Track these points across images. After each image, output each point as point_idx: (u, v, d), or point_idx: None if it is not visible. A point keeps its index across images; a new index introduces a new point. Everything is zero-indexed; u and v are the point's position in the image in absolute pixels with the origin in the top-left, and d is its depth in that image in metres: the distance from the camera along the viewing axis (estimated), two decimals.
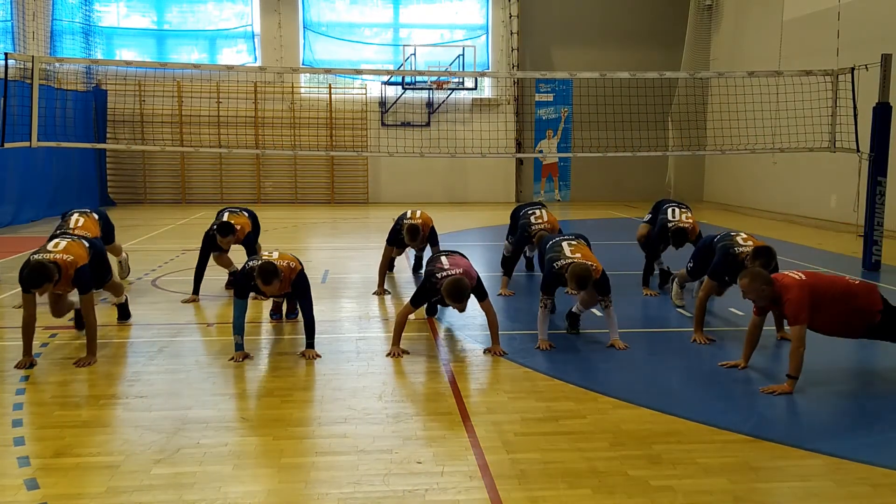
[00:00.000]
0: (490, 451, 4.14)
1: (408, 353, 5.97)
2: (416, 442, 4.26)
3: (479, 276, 6.06)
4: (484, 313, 6.09)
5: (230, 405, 4.91)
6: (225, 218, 8.05)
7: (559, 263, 6.16)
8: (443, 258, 6.13)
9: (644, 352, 6.11)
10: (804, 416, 4.81)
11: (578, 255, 6.18)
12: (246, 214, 8.31)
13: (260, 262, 5.76)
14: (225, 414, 4.71)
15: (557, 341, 6.26)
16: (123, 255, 8.85)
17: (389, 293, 8.24)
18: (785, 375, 5.11)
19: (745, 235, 6.59)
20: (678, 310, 7.50)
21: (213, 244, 7.90)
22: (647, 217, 9.03)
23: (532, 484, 3.76)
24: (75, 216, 7.73)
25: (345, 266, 10.02)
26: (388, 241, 8.50)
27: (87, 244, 6.06)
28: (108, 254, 8.22)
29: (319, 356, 5.85)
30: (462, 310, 5.93)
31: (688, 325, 6.80)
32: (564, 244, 6.35)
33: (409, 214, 8.54)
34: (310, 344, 5.91)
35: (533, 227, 8.24)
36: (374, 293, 8.20)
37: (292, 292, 6.00)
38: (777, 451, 4.19)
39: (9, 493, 3.63)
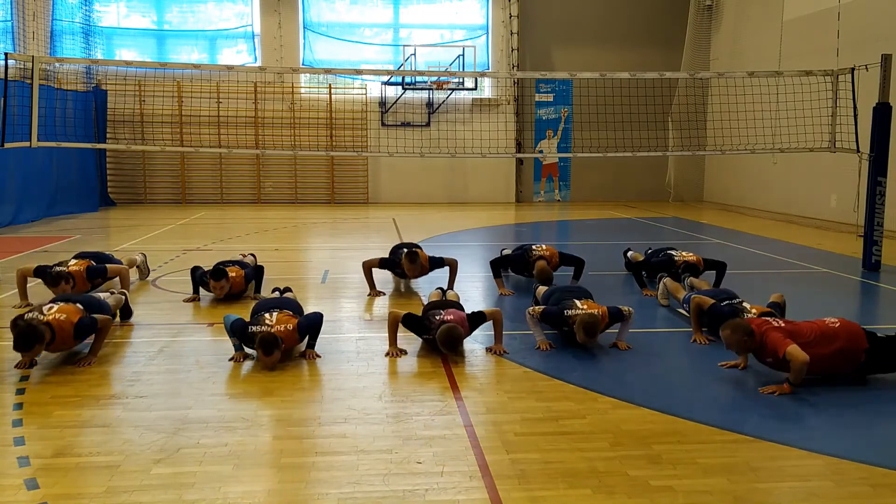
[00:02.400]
0: (490, 451, 4.14)
1: (405, 352, 5.98)
2: (416, 442, 4.26)
3: (468, 315, 6.06)
4: (493, 319, 6.13)
5: (230, 405, 4.91)
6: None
7: (569, 312, 6.17)
8: (442, 310, 6.11)
9: (644, 352, 6.11)
10: (804, 416, 4.81)
11: (586, 307, 6.20)
12: (241, 268, 8.05)
13: (261, 330, 5.65)
14: (225, 414, 4.71)
15: (557, 341, 6.26)
16: (138, 258, 8.87)
17: (384, 294, 8.23)
18: (785, 378, 5.11)
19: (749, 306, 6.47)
20: (678, 310, 7.49)
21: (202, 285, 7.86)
22: (648, 250, 9.03)
23: (532, 484, 3.76)
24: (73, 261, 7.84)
25: (345, 266, 10.01)
26: (381, 262, 8.29)
27: (79, 304, 5.96)
28: (125, 265, 8.22)
29: (320, 356, 5.85)
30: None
31: (688, 326, 6.80)
32: (577, 301, 6.34)
33: (405, 248, 8.32)
34: (311, 344, 5.92)
35: (533, 253, 8.34)
36: (368, 294, 8.19)
37: (302, 337, 5.95)
38: (777, 451, 4.20)
39: (9, 493, 3.63)
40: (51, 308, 5.71)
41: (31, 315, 5.55)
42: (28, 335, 5.29)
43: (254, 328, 5.72)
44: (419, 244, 8.84)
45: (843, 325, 5.32)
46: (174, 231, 13.73)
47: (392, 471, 3.89)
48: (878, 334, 5.39)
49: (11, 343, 5.37)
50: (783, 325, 5.30)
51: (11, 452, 4.09)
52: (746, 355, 5.60)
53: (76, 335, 5.63)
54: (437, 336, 5.77)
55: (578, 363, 5.80)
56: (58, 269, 7.49)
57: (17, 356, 5.60)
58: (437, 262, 8.27)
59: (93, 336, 5.81)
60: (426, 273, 8.30)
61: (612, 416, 4.68)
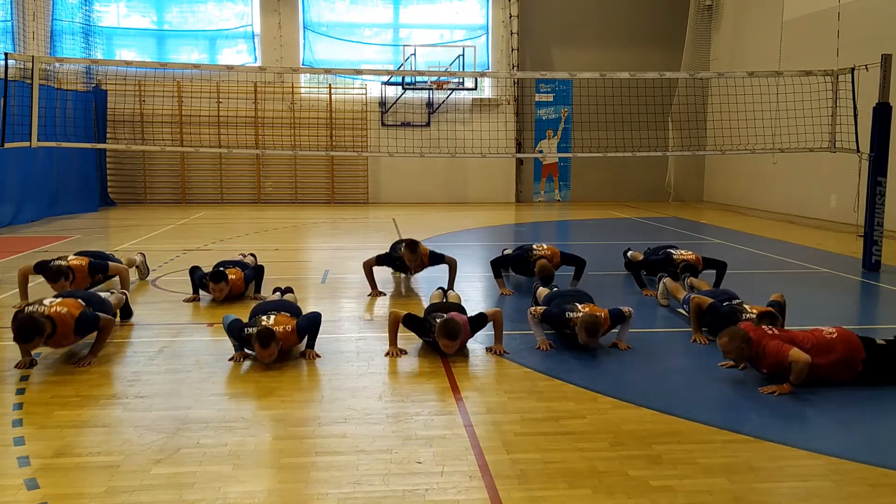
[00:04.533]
0: (490, 451, 4.14)
1: (406, 352, 5.98)
2: (416, 442, 4.26)
3: (471, 317, 6.06)
4: (493, 320, 6.12)
5: (230, 405, 4.91)
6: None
7: (571, 315, 6.17)
8: (444, 314, 6.09)
9: (644, 352, 6.11)
10: (804, 416, 4.81)
11: (587, 310, 6.20)
12: (241, 269, 8.04)
13: (257, 328, 5.64)
14: (225, 414, 4.70)
15: (557, 342, 6.26)
16: (137, 258, 8.86)
17: (384, 294, 8.23)
18: (785, 378, 5.12)
19: (749, 307, 6.38)
20: (678, 310, 7.49)
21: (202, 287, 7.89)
22: (647, 249, 9.06)
23: (532, 484, 3.76)
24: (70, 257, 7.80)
25: (345, 266, 10.01)
26: (378, 259, 8.28)
27: (80, 300, 5.95)
28: (125, 265, 8.21)
29: (319, 356, 5.85)
30: (451, 351, 5.88)
31: (688, 326, 6.79)
32: (578, 304, 6.34)
33: (403, 244, 8.29)
34: (310, 344, 5.92)
35: (534, 253, 8.35)
36: (368, 295, 8.19)
37: (301, 337, 5.95)
38: (777, 451, 4.20)
39: (9, 493, 3.63)
40: (52, 301, 5.70)
41: (31, 308, 5.54)
42: (28, 327, 5.27)
43: (250, 330, 5.70)
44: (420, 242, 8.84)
45: (841, 334, 5.28)
46: (174, 231, 13.73)
47: (392, 471, 3.89)
48: (877, 340, 5.35)
49: (11, 342, 5.37)
50: (779, 333, 5.30)
51: (11, 452, 4.09)
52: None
53: (77, 330, 5.60)
54: (436, 329, 5.77)
55: (578, 363, 5.81)
56: (58, 262, 7.42)
57: (18, 356, 5.60)
58: (437, 258, 8.26)
59: (93, 334, 5.80)
60: (425, 267, 8.30)
61: (612, 416, 4.68)
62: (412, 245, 8.07)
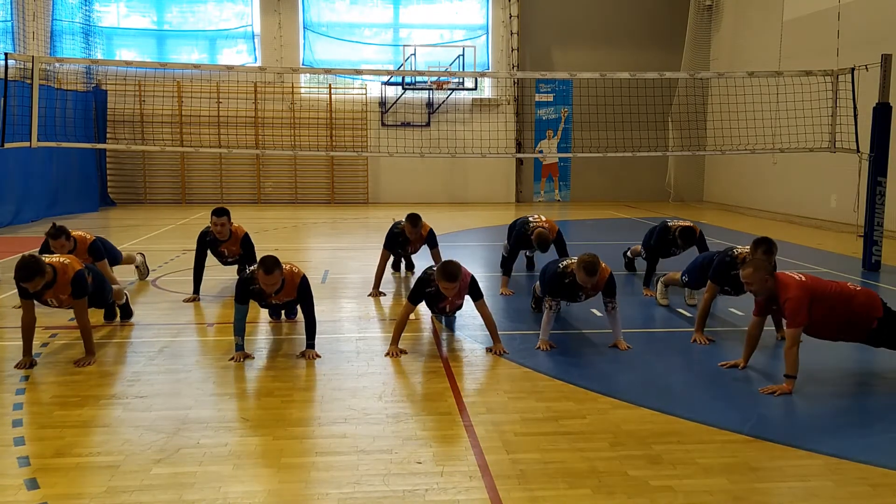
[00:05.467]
0: (490, 451, 4.14)
1: (406, 352, 5.98)
2: (416, 442, 4.26)
3: (473, 277, 6.10)
4: (480, 314, 6.13)
5: (230, 405, 4.91)
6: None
7: (564, 263, 6.24)
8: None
9: (644, 352, 6.11)
10: (804, 416, 4.81)
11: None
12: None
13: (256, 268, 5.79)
14: (225, 414, 4.71)
15: (557, 341, 6.26)
16: (138, 258, 8.87)
17: (384, 295, 8.23)
18: (783, 376, 5.12)
19: (741, 248, 6.53)
20: (678, 310, 7.49)
21: (207, 244, 8.00)
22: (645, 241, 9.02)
23: (532, 484, 3.76)
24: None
25: (345, 266, 10.02)
26: (385, 245, 8.46)
27: (82, 263, 6.02)
28: (126, 263, 8.23)
29: (319, 356, 5.85)
30: (451, 294, 5.91)
31: (688, 326, 6.80)
32: (567, 259, 6.41)
33: (403, 220, 8.41)
34: (310, 344, 5.92)
35: (531, 225, 8.31)
36: (369, 294, 8.19)
37: (298, 298, 6.01)
38: (777, 451, 4.20)
39: (9, 493, 3.63)
40: (56, 255, 5.81)
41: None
42: (31, 266, 5.33)
43: (252, 267, 5.92)
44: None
45: (864, 289, 5.36)
46: (174, 231, 13.73)
47: (392, 471, 3.89)
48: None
49: (11, 342, 5.37)
50: (805, 279, 5.27)
51: (11, 452, 4.09)
52: (748, 354, 5.60)
53: (73, 285, 5.61)
54: (436, 272, 5.88)
55: (578, 363, 5.81)
56: (63, 224, 7.39)
57: (18, 356, 5.60)
58: (433, 240, 8.41)
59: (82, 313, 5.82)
60: (423, 243, 8.43)
61: (612, 416, 4.68)
62: (414, 218, 8.22)
